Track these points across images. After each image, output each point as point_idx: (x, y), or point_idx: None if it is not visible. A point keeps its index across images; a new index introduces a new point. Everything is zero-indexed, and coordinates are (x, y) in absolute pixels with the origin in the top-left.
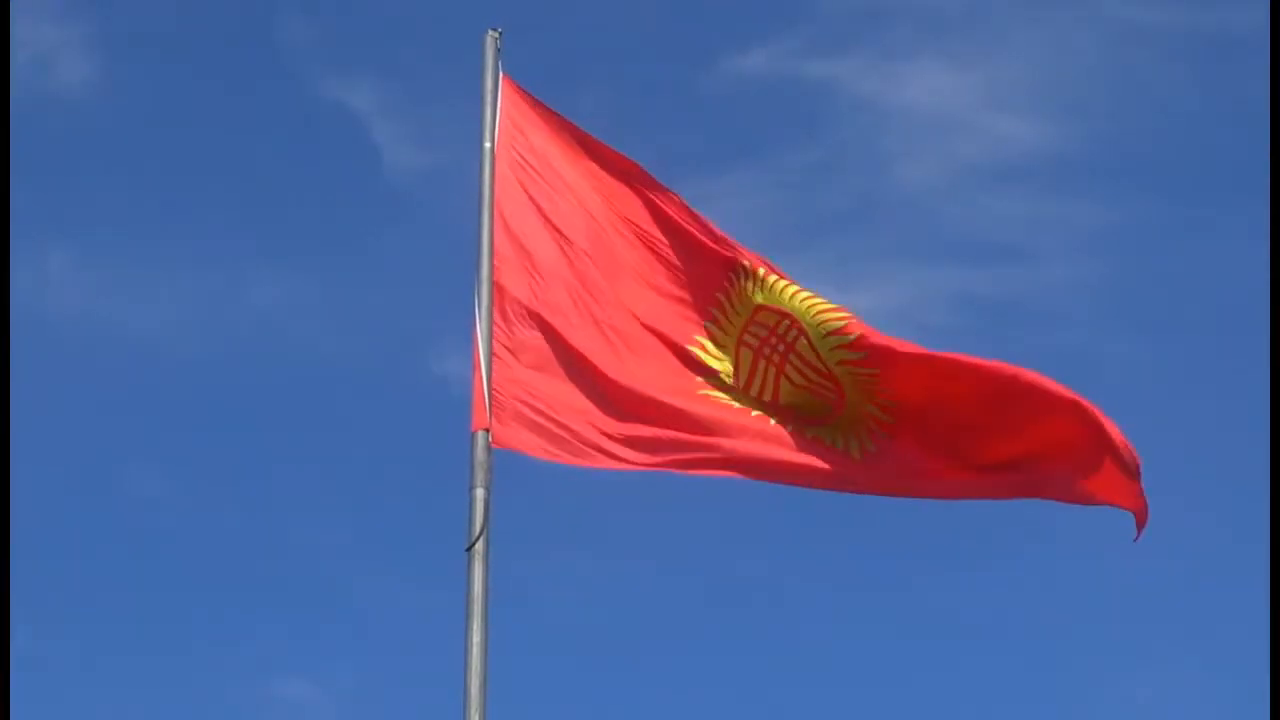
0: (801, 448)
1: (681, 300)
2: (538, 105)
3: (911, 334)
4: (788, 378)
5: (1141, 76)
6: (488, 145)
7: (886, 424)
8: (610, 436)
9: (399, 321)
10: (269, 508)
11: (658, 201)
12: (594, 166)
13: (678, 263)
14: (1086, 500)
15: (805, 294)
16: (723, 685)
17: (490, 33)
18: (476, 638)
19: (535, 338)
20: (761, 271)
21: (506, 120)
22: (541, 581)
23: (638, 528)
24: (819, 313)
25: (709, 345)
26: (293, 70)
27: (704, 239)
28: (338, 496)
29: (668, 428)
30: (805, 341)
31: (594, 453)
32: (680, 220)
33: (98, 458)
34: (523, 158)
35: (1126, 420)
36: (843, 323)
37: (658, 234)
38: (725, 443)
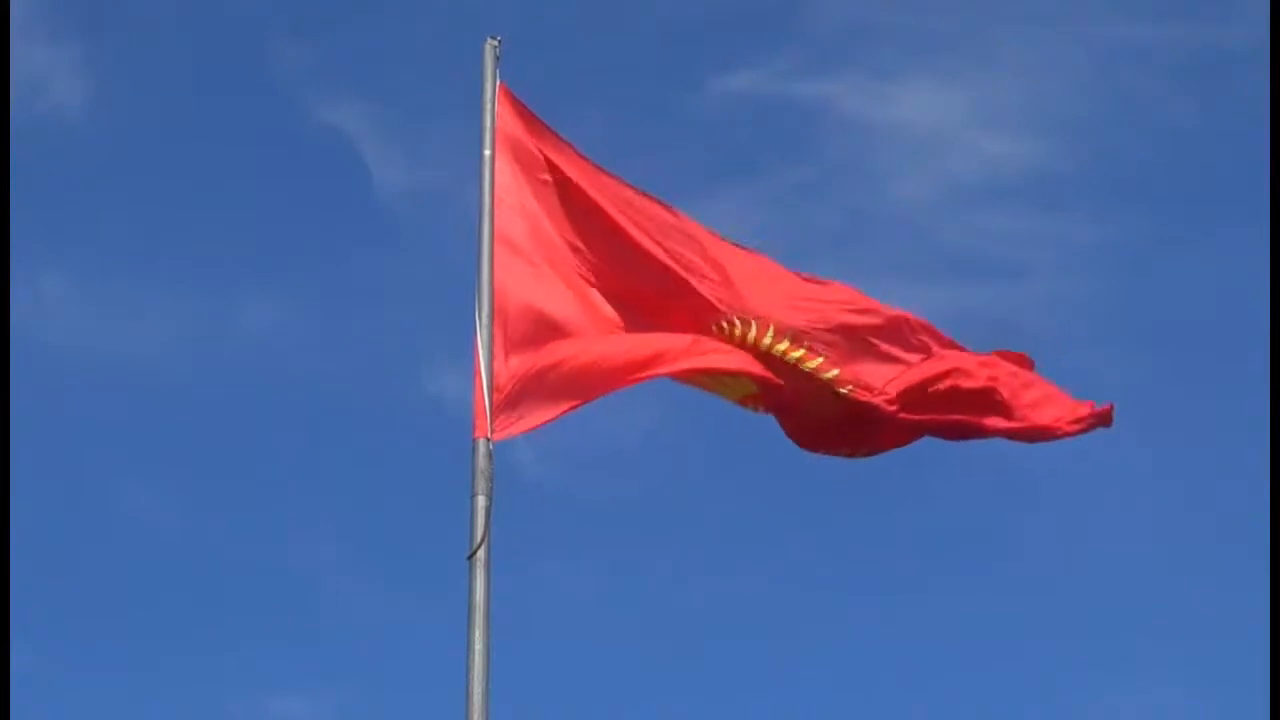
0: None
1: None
2: (535, 123)
3: None
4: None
5: (1133, 93)
6: (487, 153)
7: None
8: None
9: (392, 340)
10: (266, 522)
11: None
12: (594, 182)
13: (682, 273)
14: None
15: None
16: (724, 693)
17: (490, 40)
18: (479, 646)
19: (533, 338)
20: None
21: (503, 129)
22: (543, 590)
23: (639, 535)
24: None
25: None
26: (283, 92)
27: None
28: (337, 510)
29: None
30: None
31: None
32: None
33: (94, 478)
34: (519, 167)
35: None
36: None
37: (660, 251)
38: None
